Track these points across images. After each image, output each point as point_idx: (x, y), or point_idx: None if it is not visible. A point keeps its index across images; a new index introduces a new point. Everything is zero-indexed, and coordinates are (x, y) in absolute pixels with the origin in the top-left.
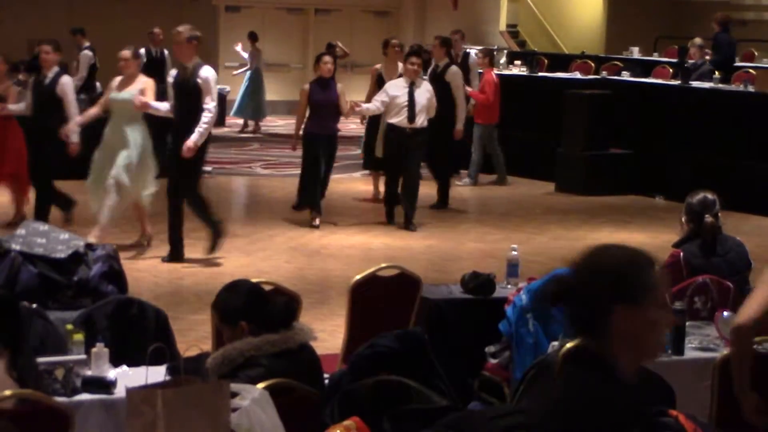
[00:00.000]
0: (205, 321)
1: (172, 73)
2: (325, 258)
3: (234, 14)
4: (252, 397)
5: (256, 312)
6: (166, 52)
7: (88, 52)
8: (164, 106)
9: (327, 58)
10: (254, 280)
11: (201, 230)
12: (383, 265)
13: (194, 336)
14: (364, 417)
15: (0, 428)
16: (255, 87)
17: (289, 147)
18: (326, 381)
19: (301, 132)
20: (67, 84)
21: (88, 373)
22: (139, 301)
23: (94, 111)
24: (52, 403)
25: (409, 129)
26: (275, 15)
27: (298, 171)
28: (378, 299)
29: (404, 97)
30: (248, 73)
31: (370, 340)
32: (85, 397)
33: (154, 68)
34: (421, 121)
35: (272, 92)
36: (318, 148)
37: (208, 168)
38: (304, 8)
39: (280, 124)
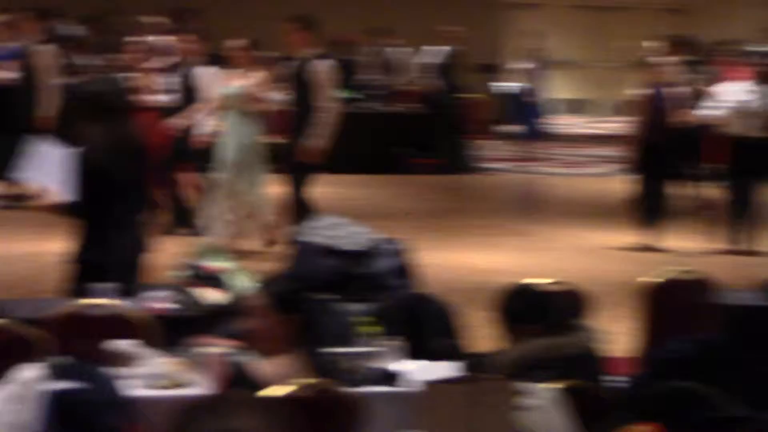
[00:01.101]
0: (490, 319)
1: (290, 63)
2: (610, 259)
3: (522, 12)
4: (543, 398)
5: (540, 314)
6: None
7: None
8: (277, 98)
9: (667, 60)
10: (541, 281)
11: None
12: (679, 268)
13: (480, 333)
14: (660, 423)
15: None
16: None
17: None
18: (620, 384)
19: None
20: None
21: (379, 365)
22: (429, 296)
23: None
24: (344, 393)
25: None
26: (564, 12)
27: (586, 170)
28: (673, 303)
29: (754, 103)
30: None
31: (665, 344)
32: (373, 388)
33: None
34: None
35: (560, 90)
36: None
37: (503, 165)
38: (595, 6)
39: (568, 122)
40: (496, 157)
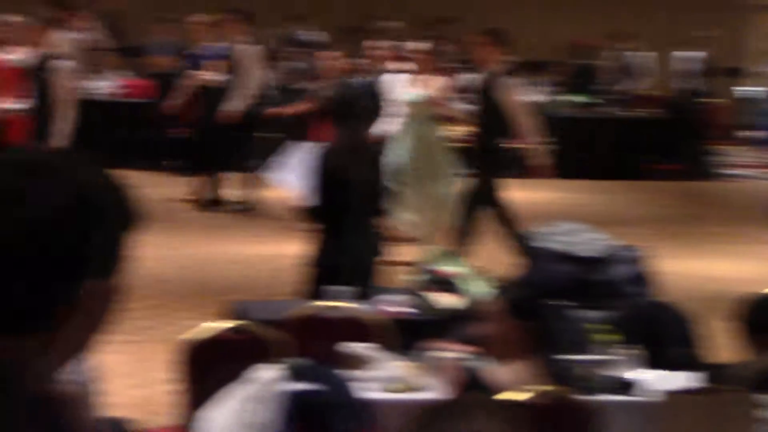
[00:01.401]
0: (730, 329)
1: (472, 76)
2: None
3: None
4: None
5: None
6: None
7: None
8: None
9: None
10: None
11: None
12: None
13: (719, 343)
14: None
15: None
16: None
17: None
18: None
19: None
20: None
21: (615, 373)
22: (667, 304)
23: None
24: (580, 401)
25: None
26: None
27: None
28: None
29: None
30: None
31: None
32: (609, 397)
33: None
34: None
35: None
36: None
37: (746, 172)
38: None
39: None
40: (740, 163)
